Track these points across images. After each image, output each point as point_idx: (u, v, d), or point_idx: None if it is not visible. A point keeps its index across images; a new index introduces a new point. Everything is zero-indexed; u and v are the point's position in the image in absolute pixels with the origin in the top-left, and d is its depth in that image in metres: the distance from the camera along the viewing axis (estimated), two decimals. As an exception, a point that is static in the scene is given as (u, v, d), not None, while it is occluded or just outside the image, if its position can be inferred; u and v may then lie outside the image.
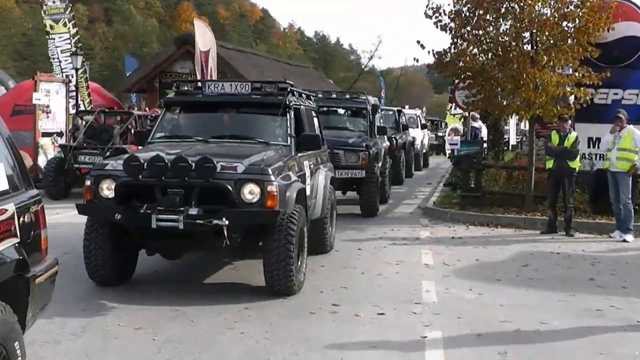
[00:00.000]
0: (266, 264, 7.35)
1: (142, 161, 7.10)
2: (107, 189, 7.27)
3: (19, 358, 4.08)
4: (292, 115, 8.79)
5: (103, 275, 7.67)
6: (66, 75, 20.72)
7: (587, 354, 6.01)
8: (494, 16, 13.38)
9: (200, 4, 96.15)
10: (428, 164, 29.70)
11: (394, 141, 19.26)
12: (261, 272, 7.47)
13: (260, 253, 7.57)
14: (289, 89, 8.88)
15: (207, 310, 6.95)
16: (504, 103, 13.79)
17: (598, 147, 13.25)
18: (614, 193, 11.81)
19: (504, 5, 13.27)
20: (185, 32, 31.60)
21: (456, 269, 9.19)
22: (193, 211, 6.91)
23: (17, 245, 4.24)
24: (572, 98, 13.36)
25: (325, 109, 14.85)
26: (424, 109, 45.51)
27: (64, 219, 11.51)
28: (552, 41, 13.01)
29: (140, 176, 7.11)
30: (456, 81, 16.10)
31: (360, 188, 13.72)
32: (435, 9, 13.68)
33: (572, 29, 13.00)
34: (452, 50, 13.76)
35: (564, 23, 13.03)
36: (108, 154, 14.63)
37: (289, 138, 8.58)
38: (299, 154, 8.62)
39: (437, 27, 13.75)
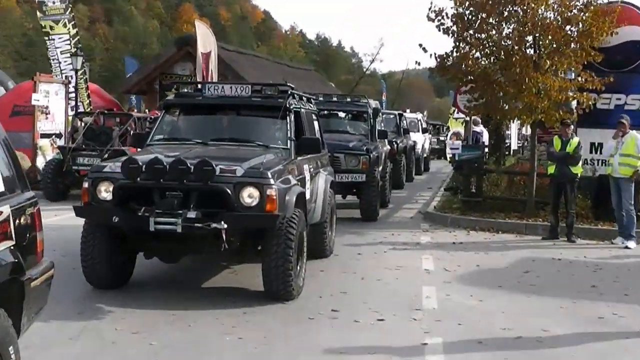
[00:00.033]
0: (265, 268, 7.29)
1: (140, 163, 7.04)
2: (105, 192, 7.22)
3: (14, 363, 4.03)
4: (292, 119, 8.73)
5: (100, 278, 7.62)
6: (66, 77, 20.66)
7: (589, 362, 5.96)
8: (497, 20, 13.35)
9: (202, 6, 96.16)
10: (429, 168, 29.68)
11: (395, 145, 19.24)
12: (260, 276, 7.41)
13: (259, 257, 7.51)
14: (289, 92, 8.83)
15: (205, 315, 6.89)
16: (506, 107, 13.73)
17: (600, 153, 13.24)
18: (616, 199, 11.75)
19: (507, 9, 13.24)
20: (186, 34, 31.68)
21: (457, 275, 9.13)
22: (191, 214, 6.85)
23: (12, 248, 4.20)
24: (574, 103, 13.33)
25: (325, 112, 14.80)
26: (425, 113, 45.46)
27: (62, 221, 11.44)
28: (555, 45, 12.97)
29: (138, 179, 7.05)
30: (460, 86, 16.03)
31: (361, 192, 13.66)
32: (437, 12, 13.64)
33: (576, 33, 12.96)
34: (454, 54, 13.71)
35: (567, 27, 12.99)
36: (107, 155, 14.55)
37: (288, 141, 8.52)
38: (299, 158, 8.56)
39: (439, 30, 13.72)
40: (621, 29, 13.01)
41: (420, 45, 13.94)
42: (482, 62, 13.73)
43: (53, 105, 18.26)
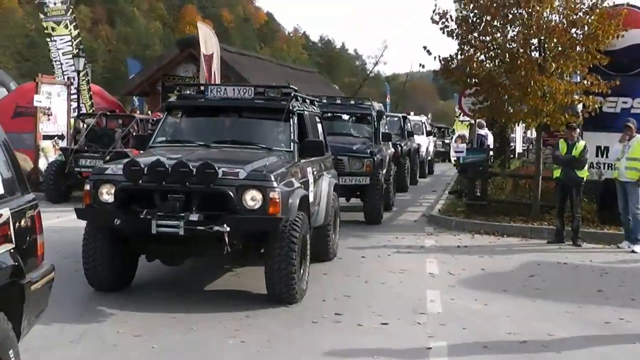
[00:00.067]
0: (268, 271, 7.24)
1: (142, 166, 7.01)
2: (107, 194, 7.18)
3: (14, 366, 4.00)
4: (296, 121, 8.69)
5: (102, 280, 7.58)
6: (68, 78, 20.63)
7: (595, 367, 5.91)
8: (502, 22, 13.30)
9: (204, 7, 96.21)
10: (433, 171, 29.69)
11: (399, 148, 19.20)
12: (263, 279, 7.36)
13: (262, 260, 7.46)
14: (292, 94, 8.78)
15: (208, 318, 6.85)
16: (511, 111, 13.67)
17: (606, 157, 13.20)
18: (622, 203, 11.71)
19: (512, 12, 13.20)
20: (189, 35, 31.64)
21: (461, 279, 9.08)
22: (194, 217, 6.81)
23: (12, 250, 4.18)
24: (580, 106, 13.29)
25: (329, 114, 14.78)
26: (429, 116, 45.45)
27: (64, 223, 11.40)
28: (560, 48, 12.91)
29: (140, 181, 7.01)
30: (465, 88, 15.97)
31: (364, 195, 13.61)
32: (441, 15, 13.59)
33: (581, 36, 12.91)
34: (459, 57, 13.66)
35: (573, 30, 12.94)
36: (109, 157, 14.51)
37: (292, 144, 8.48)
38: (302, 160, 8.52)
39: (443, 32, 13.66)
40: (627, 32, 12.95)
41: (425, 47, 13.92)
42: (487, 65, 13.68)
43: (55, 107, 18.21)
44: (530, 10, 12.88)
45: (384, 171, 14.48)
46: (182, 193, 6.94)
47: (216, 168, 6.84)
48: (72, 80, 20.36)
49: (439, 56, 13.81)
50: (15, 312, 4.22)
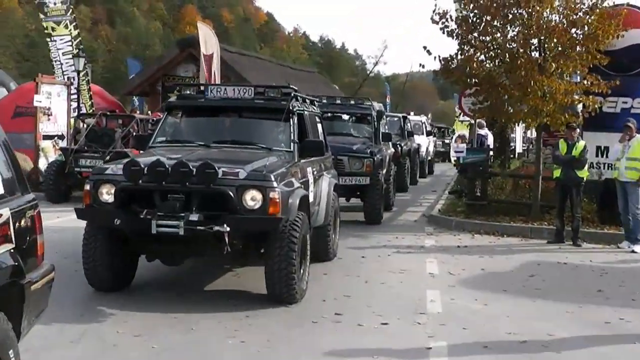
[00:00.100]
0: (268, 271, 7.24)
1: (142, 166, 7.00)
2: (107, 194, 7.18)
3: (14, 366, 3.99)
4: (296, 121, 8.69)
5: (102, 280, 7.57)
6: (68, 78, 20.62)
7: (595, 367, 5.90)
8: (502, 22, 13.28)
9: (204, 7, 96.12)
10: (433, 171, 29.68)
11: (399, 148, 19.19)
12: (263, 279, 7.35)
13: (262, 260, 7.46)
14: (292, 94, 8.77)
15: (208, 318, 6.84)
16: (511, 111, 13.66)
17: (606, 157, 13.18)
18: (622, 203, 11.70)
19: (512, 12, 13.18)
20: (189, 35, 31.62)
21: (461, 279, 9.07)
22: (194, 217, 6.80)
23: (12, 251, 4.17)
24: (580, 106, 13.28)
25: (329, 114, 14.77)
26: (429, 116, 45.43)
27: (64, 223, 11.40)
28: (560, 48, 12.90)
29: (140, 181, 7.01)
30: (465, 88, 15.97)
31: (364, 195, 13.60)
32: (441, 15, 13.57)
33: (581, 36, 12.90)
34: (459, 57, 13.65)
35: (573, 30, 12.93)
36: (109, 157, 14.51)
37: (292, 144, 8.47)
38: (302, 160, 8.52)
39: (443, 32, 13.64)
40: (627, 32, 12.93)
41: (425, 47, 13.91)
42: (487, 65, 13.67)
43: (55, 107, 18.20)
44: (530, 10, 12.87)
45: (384, 171, 14.47)
46: (182, 193, 6.93)
47: (216, 168, 6.84)
48: (72, 80, 20.35)
49: (439, 56, 13.81)
50: (15, 312, 4.21)
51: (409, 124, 24.01)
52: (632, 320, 7.30)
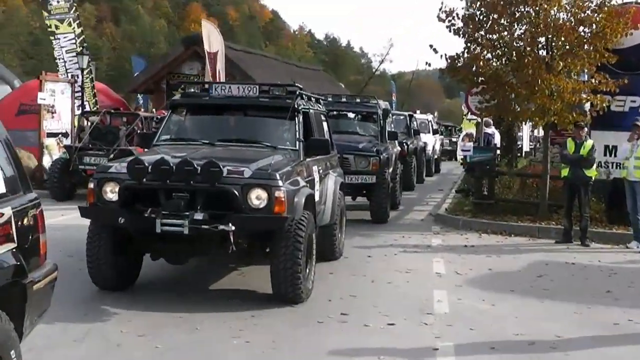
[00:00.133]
0: (273, 271, 7.19)
1: (146, 164, 6.96)
2: (111, 192, 7.14)
3: (16, 366, 3.96)
4: (301, 119, 8.63)
5: (106, 279, 7.54)
6: (71, 76, 20.59)
7: (604, 369, 5.84)
8: (509, 20, 13.23)
9: (210, 5, 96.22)
10: (440, 170, 29.65)
11: (405, 146, 19.19)
12: (268, 279, 7.31)
13: (267, 259, 7.41)
14: (297, 92, 8.72)
15: (212, 318, 6.81)
16: (518, 109, 13.60)
17: (615, 156, 13.10)
18: (631, 202, 11.63)
19: (519, 10, 13.11)
20: (194, 33, 31.60)
21: (469, 279, 9.01)
22: (198, 216, 6.76)
23: (14, 250, 4.13)
24: (588, 105, 13.21)
25: (335, 113, 14.71)
26: (435, 114, 45.32)
27: (68, 221, 11.31)
28: (568, 47, 12.84)
29: (144, 179, 6.96)
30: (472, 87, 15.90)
31: (371, 194, 13.56)
32: (448, 13, 13.53)
33: (589, 35, 12.83)
34: (465, 55, 13.59)
35: (581, 28, 12.87)
36: (113, 155, 14.48)
37: (297, 142, 8.41)
38: (308, 159, 8.45)
39: (450, 31, 13.60)
40: (636, 30, 12.85)
41: (431, 46, 13.85)
42: (494, 63, 13.63)
43: (59, 104, 18.19)
44: (537, 8, 12.82)
45: (390, 170, 14.43)
46: (186, 192, 6.89)
47: (221, 166, 6.79)
48: (76, 78, 20.33)
49: (446, 54, 13.77)
50: (17, 312, 4.17)
51: (415, 123, 23.98)
52: (641, 321, 7.23)
